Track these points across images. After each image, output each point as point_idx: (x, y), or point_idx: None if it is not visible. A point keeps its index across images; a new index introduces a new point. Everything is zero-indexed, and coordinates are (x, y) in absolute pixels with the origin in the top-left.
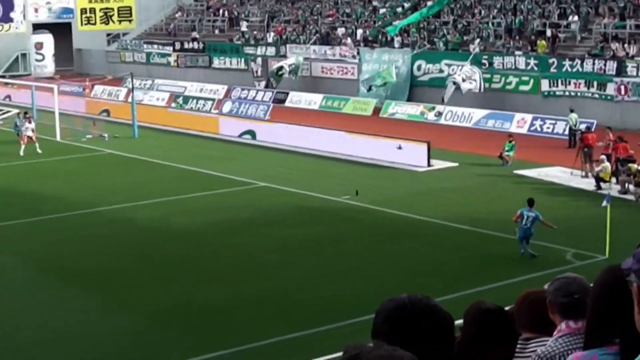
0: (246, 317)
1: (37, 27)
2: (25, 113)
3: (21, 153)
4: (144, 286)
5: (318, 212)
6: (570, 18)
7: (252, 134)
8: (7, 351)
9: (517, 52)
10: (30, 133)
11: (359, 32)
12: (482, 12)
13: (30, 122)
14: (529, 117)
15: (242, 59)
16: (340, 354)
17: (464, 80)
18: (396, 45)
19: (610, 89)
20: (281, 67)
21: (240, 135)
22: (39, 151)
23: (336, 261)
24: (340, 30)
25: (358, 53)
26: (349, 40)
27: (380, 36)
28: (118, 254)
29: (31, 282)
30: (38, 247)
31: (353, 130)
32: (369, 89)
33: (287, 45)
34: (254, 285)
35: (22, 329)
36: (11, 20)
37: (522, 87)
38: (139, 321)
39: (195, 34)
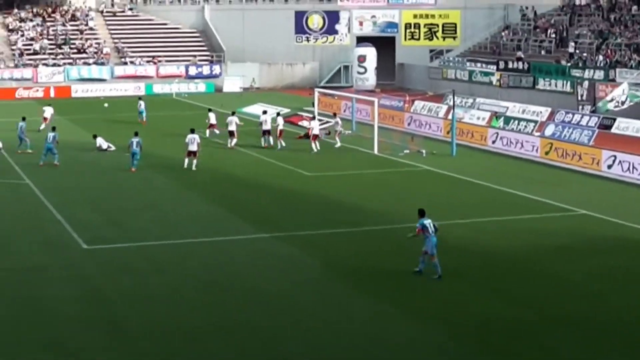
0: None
1: (361, 40)
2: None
3: None
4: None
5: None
6: None
7: None
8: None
9: None
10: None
11: None
12: None
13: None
14: None
15: (568, 82)
16: None
17: None
18: None
19: None
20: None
21: None
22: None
23: None
24: None
25: None
26: None
27: None
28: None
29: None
30: (347, 257)
31: None
32: None
33: (617, 70)
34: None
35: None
36: (336, 32)
37: None
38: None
39: (520, 54)
